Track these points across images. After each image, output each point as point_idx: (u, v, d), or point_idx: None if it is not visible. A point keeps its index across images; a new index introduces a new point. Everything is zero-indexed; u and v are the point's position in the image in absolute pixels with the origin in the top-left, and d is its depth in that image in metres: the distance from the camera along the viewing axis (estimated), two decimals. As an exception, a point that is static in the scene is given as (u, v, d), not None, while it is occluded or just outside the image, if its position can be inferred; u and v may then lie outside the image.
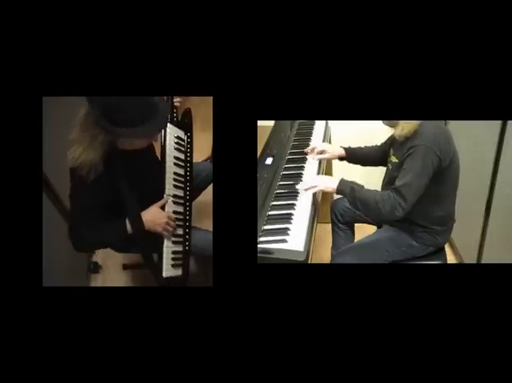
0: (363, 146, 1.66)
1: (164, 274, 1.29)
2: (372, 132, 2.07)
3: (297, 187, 1.46)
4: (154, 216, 1.28)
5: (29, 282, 0.98)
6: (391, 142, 1.46)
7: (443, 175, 1.28)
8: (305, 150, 1.67)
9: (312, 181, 1.43)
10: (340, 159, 1.65)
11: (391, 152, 1.42)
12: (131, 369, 0.98)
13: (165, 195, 1.34)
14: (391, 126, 1.36)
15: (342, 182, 1.36)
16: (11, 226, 0.97)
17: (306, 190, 1.41)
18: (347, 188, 1.34)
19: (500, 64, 0.97)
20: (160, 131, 1.35)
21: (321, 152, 1.64)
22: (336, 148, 1.64)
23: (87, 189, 1.16)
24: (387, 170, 1.46)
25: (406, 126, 1.25)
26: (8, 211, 0.97)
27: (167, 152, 1.37)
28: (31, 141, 0.98)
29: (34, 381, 0.96)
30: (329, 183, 1.38)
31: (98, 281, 1.96)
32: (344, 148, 1.64)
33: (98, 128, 1.11)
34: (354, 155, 1.64)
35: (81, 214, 1.20)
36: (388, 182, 1.39)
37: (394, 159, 1.37)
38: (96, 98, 1.08)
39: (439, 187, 1.30)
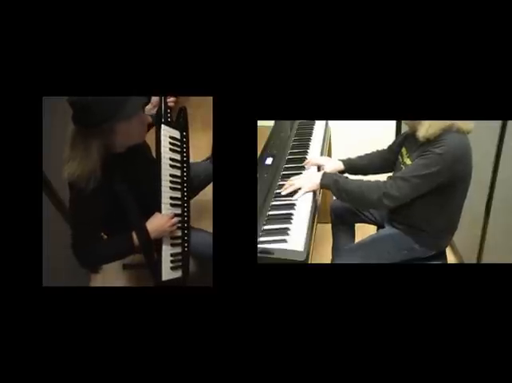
0: (362, 154, 1.62)
1: (164, 278, 1.28)
2: (373, 132, 2.08)
3: (295, 196, 1.39)
4: (159, 224, 1.26)
5: (29, 282, 0.98)
6: (402, 143, 1.43)
7: (453, 189, 1.26)
8: (304, 164, 1.61)
9: (293, 182, 1.40)
10: (340, 172, 1.60)
11: (405, 153, 1.38)
12: (130, 369, 0.98)
13: (162, 199, 1.32)
14: (412, 126, 1.31)
15: (325, 176, 1.35)
16: (11, 226, 0.97)
17: (288, 192, 1.38)
18: (330, 181, 1.33)
19: (500, 64, 0.97)
20: (144, 107, 1.26)
21: (320, 167, 1.59)
22: (334, 163, 1.59)
23: (88, 200, 1.14)
24: (398, 170, 1.40)
25: (432, 127, 1.19)
26: (8, 211, 0.97)
27: (162, 153, 1.34)
28: (31, 141, 0.98)
29: (34, 381, 0.96)
30: (312, 180, 1.37)
31: (98, 281, 1.96)
32: (343, 161, 1.60)
33: (89, 138, 1.11)
34: (354, 168, 1.60)
35: (84, 228, 1.18)
36: None
37: (408, 162, 1.33)
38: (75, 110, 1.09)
39: (446, 199, 1.29)
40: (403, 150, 1.41)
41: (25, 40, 0.97)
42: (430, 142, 1.22)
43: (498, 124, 1.49)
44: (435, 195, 1.26)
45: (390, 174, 1.48)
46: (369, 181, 1.30)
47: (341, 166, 1.59)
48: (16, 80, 0.97)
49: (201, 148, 1.97)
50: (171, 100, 1.46)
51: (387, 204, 1.25)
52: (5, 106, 0.97)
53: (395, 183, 1.24)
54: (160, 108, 1.40)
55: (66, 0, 0.96)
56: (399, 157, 1.43)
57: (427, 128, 1.21)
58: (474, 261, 1.78)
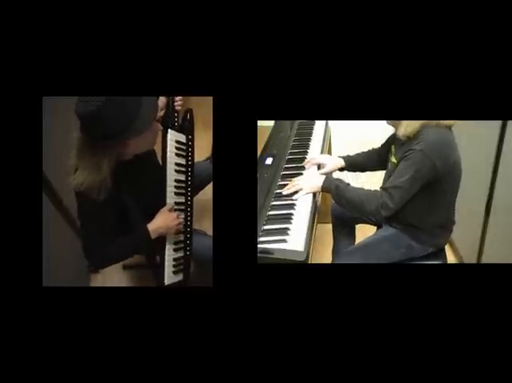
0: (360, 152, 1.64)
1: (166, 282, 1.29)
2: (372, 132, 2.08)
3: (295, 196, 1.40)
4: (166, 221, 1.28)
5: (29, 282, 0.98)
6: (392, 141, 1.45)
7: (440, 185, 1.26)
8: (304, 164, 1.61)
9: (296, 183, 1.41)
10: (340, 169, 1.63)
11: (393, 151, 1.41)
12: (130, 369, 0.98)
13: (167, 203, 1.33)
14: (393, 125, 1.34)
15: (327, 180, 1.36)
16: (11, 226, 0.97)
17: (290, 193, 1.39)
18: (332, 186, 1.34)
19: (500, 64, 0.97)
20: (154, 119, 1.22)
21: (321, 166, 1.60)
22: (335, 160, 1.60)
23: (97, 209, 1.14)
24: (387, 169, 1.45)
25: (409, 126, 1.22)
26: (8, 211, 0.97)
27: (168, 159, 1.32)
28: (31, 141, 0.98)
29: (34, 381, 0.96)
30: (314, 182, 1.38)
31: (98, 281, 1.96)
32: (343, 158, 1.62)
33: (99, 150, 1.08)
34: (354, 164, 1.62)
35: (94, 233, 1.18)
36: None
37: (394, 160, 1.36)
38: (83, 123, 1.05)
39: (434, 195, 1.29)
40: (392, 147, 1.43)
41: (25, 40, 0.97)
42: (411, 140, 1.24)
43: (498, 124, 1.49)
44: (421, 192, 1.26)
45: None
46: (369, 190, 1.32)
47: (342, 163, 1.60)
48: (16, 80, 0.97)
49: (201, 147, 1.97)
50: (178, 103, 1.43)
51: (384, 215, 1.27)
52: (5, 106, 0.97)
53: (388, 194, 1.25)
54: (167, 111, 1.39)
55: (66, 0, 0.96)
56: (389, 155, 1.45)
57: (405, 126, 1.23)
58: (474, 261, 1.78)
